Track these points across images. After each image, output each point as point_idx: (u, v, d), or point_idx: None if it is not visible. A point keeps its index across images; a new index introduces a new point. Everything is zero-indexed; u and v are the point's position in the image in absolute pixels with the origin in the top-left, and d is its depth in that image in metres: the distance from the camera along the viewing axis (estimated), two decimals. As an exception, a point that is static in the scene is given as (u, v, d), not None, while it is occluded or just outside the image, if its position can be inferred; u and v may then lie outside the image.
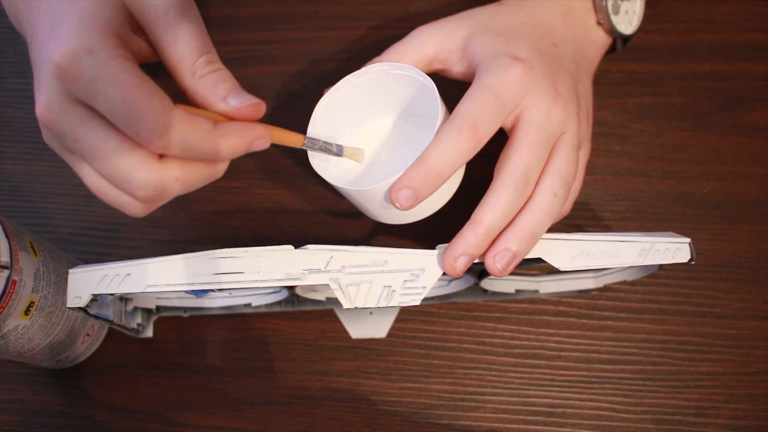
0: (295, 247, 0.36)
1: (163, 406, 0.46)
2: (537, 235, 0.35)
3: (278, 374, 0.46)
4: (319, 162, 0.39)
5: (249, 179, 0.50)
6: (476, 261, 0.35)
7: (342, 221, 0.49)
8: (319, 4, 0.54)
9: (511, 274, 0.36)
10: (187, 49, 0.30)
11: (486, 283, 0.45)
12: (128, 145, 0.29)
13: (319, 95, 0.40)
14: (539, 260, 0.36)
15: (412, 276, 0.35)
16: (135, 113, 0.28)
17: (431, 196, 0.35)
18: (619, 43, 0.44)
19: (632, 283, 0.47)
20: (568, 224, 0.47)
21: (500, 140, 0.36)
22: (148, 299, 0.46)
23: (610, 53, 0.45)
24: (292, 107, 0.51)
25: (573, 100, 0.37)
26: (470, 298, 0.47)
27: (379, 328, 0.47)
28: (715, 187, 0.49)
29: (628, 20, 0.44)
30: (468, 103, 0.34)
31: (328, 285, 0.35)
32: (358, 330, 0.47)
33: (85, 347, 0.46)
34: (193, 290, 0.37)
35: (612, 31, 0.43)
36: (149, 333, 0.47)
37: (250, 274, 0.35)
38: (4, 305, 0.37)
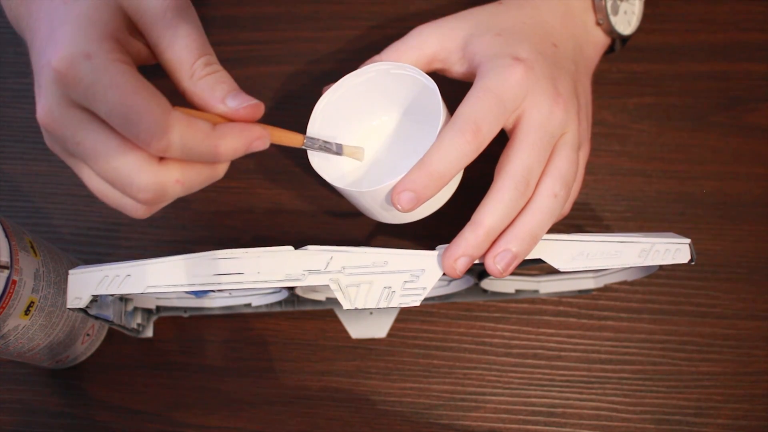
0: (296, 248, 0.36)
1: (163, 406, 0.46)
2: (537, 236, 0.35)
3: (278, 374, 0.46)
4: (319, 162, 0.38)
5: (249, 179, 0.50)
6: (476, 262, 0.35)
7: (342, 221, 0.49)
8: (319, 4, 0.54)
9: (511, 274, 0.36)
10: (185, 51, 0.30)
11: (486, 284, 0.45)
12: (128, 148, 0.29)
13: (318, 95, 0.39)
14: (539, 261, 0.36)
15: (412, 277, 0.35)
16: (134, 116, 0.28)
17: None
18: (617, 44, 0.44)
19: (632, 283, 0.47)
20: (568, 224, 0.47)
21: (500, 140, 0.36)
22: (148, 299, 0.46)
23: (609, 53, 0.45)
24: (292, 107, 0.51)
25: (573, 101, 0.37)
26: (470, 298, 0.47)
27: (379, 328, 0.47)
28: (715, 187, 0.49)
29: (627, 21, 0.44)
30: (470, 104, 0.34)
31: (328, 285, 0.35)
32: (358, 330, 0.47)
33: (85, 347, 0.46)
34: (193, 291, 0.37)
35: (611, 31, 0.43)
36: (149, 333, 0.47)
37: (251, 274, 0.35)
38: (4, 305, 0.37)
